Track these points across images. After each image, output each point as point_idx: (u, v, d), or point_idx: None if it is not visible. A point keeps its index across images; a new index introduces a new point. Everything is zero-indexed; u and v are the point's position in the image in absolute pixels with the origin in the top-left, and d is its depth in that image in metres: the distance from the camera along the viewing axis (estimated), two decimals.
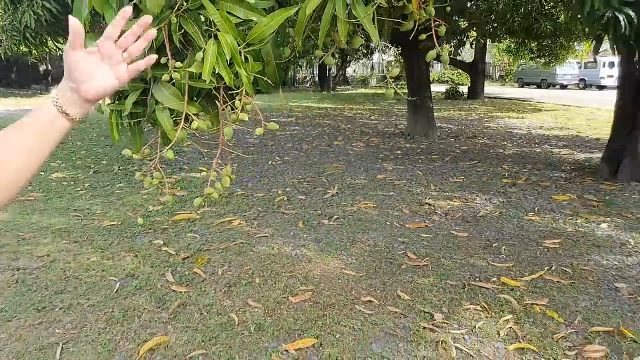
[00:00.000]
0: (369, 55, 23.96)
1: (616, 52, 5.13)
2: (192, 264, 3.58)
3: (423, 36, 1.59)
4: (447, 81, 33.25)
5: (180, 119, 1.40)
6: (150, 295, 3.09)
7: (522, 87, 32.74)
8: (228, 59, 1.27)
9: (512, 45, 18.73)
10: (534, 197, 5.35)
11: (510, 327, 2.72)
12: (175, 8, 1.24)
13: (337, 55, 23.95)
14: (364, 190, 5.60)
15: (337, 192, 5.50)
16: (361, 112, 15.60)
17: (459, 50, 18.80)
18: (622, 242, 4.03)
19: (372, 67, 33.75)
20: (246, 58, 1.35)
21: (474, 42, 17.54)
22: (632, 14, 4.43)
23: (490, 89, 29.57)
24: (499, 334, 2.66)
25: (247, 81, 1.33)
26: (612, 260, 3.66)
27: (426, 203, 5.07)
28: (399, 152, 8.12)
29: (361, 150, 8.25)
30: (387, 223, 4.47)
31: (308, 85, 29.55)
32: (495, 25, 13.00)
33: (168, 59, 1.31)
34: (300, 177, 6.28)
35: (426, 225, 4.41)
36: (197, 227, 4.35)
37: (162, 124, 1.40)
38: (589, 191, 5.57)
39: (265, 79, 1.40)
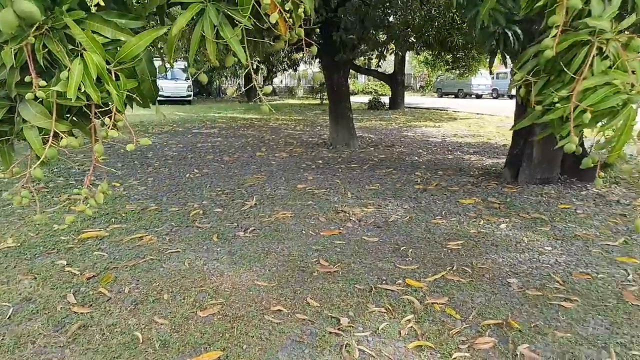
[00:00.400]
0: (294, 67, 24.21)
1: (505, 65, 5.57)
2: (97, 283, 3.44)
3: (297, 55, 1.66)
4: (371, 92, 34.32)
5: (57, 136, 1.38)
6: (48, 318, 2.93)
7: (441, 97, 34.50)
8: (95, 77, 1.27)
9: (429, 57, 19.73)
10: (443, 201, 5.66)
11: (411, 327, 2.87)
12: (34, 28, 1.22)
13: (262, 67, 24.02)
14: (283, 201, 5.65)
15: (255, 204, 5.51)
16: (287, 122, 15.72)
17: (380, 62, 19.51)
18: (517, 240, 4.37)
19: (299, 78, 34.09)
20: (117, 76, 1.35)
21: (393, 54, 18.29)
22: (518, 30, 4.87)
23: (411, 99, 30.89)
24: (400, 333, 2.80)
25: (118, 99, 1.33)
26: (507, 257, 3.96)
27: (342, 211, 5.21)
28: (320, 161, 8.27)
29: (284, 161, 8.32)
30: (303, 232, 4.54)
31: (234, 95, 29.31)
32: (413, 38, 13.66)
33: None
34: (218, 189, 6.22)
35: (340, 232, 4.53)
36: (106, 245, 4.18)
37: (30, 142, 1.36)
38: (493, 194, 5.97)
39: (135, 95, 1.40)
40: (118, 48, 1.34)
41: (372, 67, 19.87)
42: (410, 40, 13.44)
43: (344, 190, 6.16)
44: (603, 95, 1.59)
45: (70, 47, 1.26)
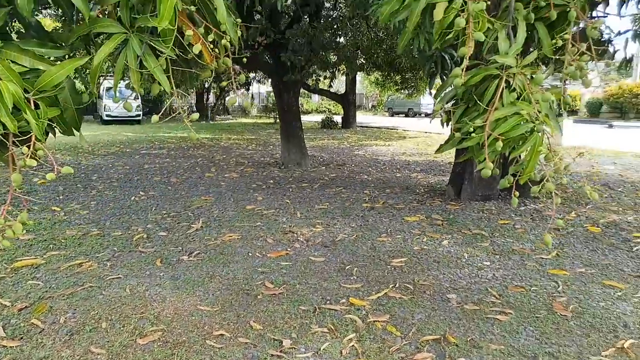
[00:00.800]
0: (247, 86, 24.21)
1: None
2: (30, 314, 3.29)
3: (224, 83, 1.70)
4: (324, 111, 34.76)
5: None
6: None
7: (392, 116, 35.38)
8: (11, 106, 1.25)
9: (379, 78, 20.26)
10: (389, 219, 5.79)
11: (353, 345, 2.90)
12: None
13: (214, 86, 23.90)
14: (230, 223, 5.61)
15: (202, 226, 5.44)
16: (239, 142, 15.65)
17: (331, 82, 19.83)
18: (458, 256, 4.52)
19: (252, 97, 34.11)
20: (37, 105, 1.34)
21: (343, 75, 18.66)
22: (455, 53, 5.12)
23: (363, 118, 31.46)
24: (341, 353, 2.83)
25: (36, 127, 1.32)
26: (448, 273, 4.09)
27: (290, 231, 5.23)
28: (271, 181, 8.28)
29: (234, 181, 8.27)
30: (250, 254, 4.52)
31: (185, 114, 28.92)
32: (362, 59, 14.01)
33: None
34: (164, 212, 6.10)
35: (287, 253, 4.54)
36: (41, 273, 4.01)
37: None
38: (437, 211, 6.17)
39: (53, 124, 1.39)
40: (37, 76, 1.33)
41: (324, 87, 20.19)
42: (359, 62, 13.80)
43: (294, 210, 6.19)
44: (513, 125, 1.72)
45: None
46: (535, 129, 1.73)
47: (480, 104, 1.76)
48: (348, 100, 22.27)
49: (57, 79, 1.29)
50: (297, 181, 8.32)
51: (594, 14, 6.78)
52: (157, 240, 4.97)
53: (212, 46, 1.49)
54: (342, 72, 15.87)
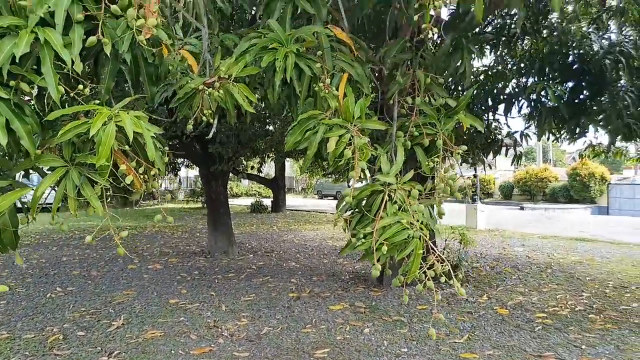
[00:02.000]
0: (175, 171, 24.11)
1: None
2: None
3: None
4: (255, 194, 35.04)
5: None
6: None
7: (321, 198, 36.30)
8: None
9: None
10: (314, 309, 5.94)
11: None
12: None
13: None
14: (153, 319, 5.49)
15: (123, 324, 5.29)
16: (164, 229, 15.34)
17: (261, 168, 20.31)
18: (378, 344, 4.73)
19: (180, 182, 33.83)
20: None
21: (272, 160, 19.24)
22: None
23: (293, 201, 32.02)
24: None
25: None
26: None
27: (214, 326, 5.22)
28: (196, 272, 8.20)
29: (158, 273, 8.10)
30: (172, 352, 4.45)
31: (108, 200, 28.00)
32: None
33: None
34: (83, 309, 5.86)
35: (211, 350, 4.52)
36: None
37: None
38: (360, 299, 6.41)
39: None
40: None
41: (254, 172, 20.63)
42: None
43: (219, 302, 6.18)
44: (394, 231, 2.07)
45: None
46: (413, 235, 2.08)
47: (368, 214, 2.12)
48: (277, 185, 22.76)
49: (1, 208, 1.45)
50: (224, 271, 8.31)
51: (490, 116, 7.81)
52: (74, 341, 4.76)
53: (142, 174, 1.73)
54: (271, 158, 16.42)
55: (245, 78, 2.21)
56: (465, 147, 2.28)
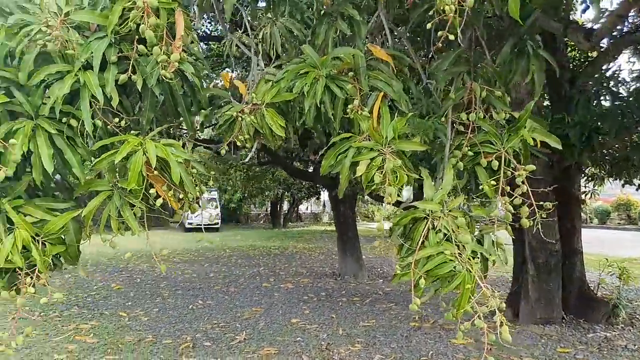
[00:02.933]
0: (317, 195, 25.17)
1: None
2: None
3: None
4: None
5: None
6: None
7: None
8: (20, 248, 1.62)
9: None
10: (434, 341, 5.58)
11: None
12: None
13: (287, 194, 25.12)
14: (272, 336, 5.70)
15: (245, 338, 5.59)
16: (304, 250, 15.99)
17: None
18: None
19: (324, 205, 35.06)
20: (44, 244, 1.71)
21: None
22: None
23: None
24: None
25: (40, 262, 1.66)
26: None
27: (327, 349, 5.22)
28: (323, 294, 8.34)
29: (288, 292, 8.43)
30: None
31: (262, 222, 30.24)
32: None
33: None
34: (215, 322, 6.35)
35: None
36: None
37: None
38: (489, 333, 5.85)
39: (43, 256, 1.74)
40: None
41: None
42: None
43: (337, 326, 6.18)
44: (436, 263, 1.86)
45: (9, 225, 1.64)
46: (456, 268, 1.85)
47: (405, 244, 1.95)
48: None
49: (57, 226, 1.67)
50: (350, 294, 8.31)
51: None
52: (200, 350, 5.16)
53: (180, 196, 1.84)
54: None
55: (278, 103, 2.20)
56: (533, 167, 1.96)
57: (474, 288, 1.94)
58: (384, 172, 1.89)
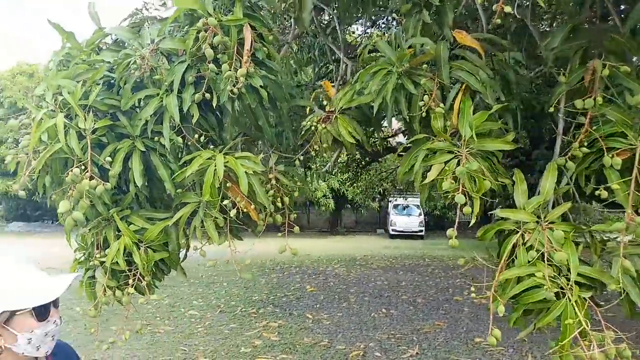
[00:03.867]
0: None
1: None
2: None
3: None
4: None
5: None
6: None
7: None
8: (122, 252, 1.85)
9: None
10: None
11: None
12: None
13: None
14: (447, 354, 5.35)
15: (417, 353, 5.37)
16: None
17: None
18: None
19: None
20: (146, 250, 1.93)
21: None
22: None
23: None
24: None
25: (142, 267, 1.88)
26: None
27: None
28: None
29: (480, 308, 7.80)
30: None
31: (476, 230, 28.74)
32: None
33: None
34: (392, 332, 6.27)
35: None
36: None
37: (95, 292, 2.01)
38: None
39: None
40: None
41: None
42: None
43: (527, 351, 5.45)
44: (525, 287, 1.44)
45: (118, 232, 1.91)
46: (556, 295, 1.37)
47: (485, 263, 1.54)
48: None
49: (154, 233, 1.86)
50: None
51: None
52: (370, 359, 5.16)
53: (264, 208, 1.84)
54: None
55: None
56: None
57: (585, 323, 1.47)
58: (455, 177, 1.58)
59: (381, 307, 7.87)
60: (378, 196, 24.39)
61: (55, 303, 1.27)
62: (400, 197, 24.69)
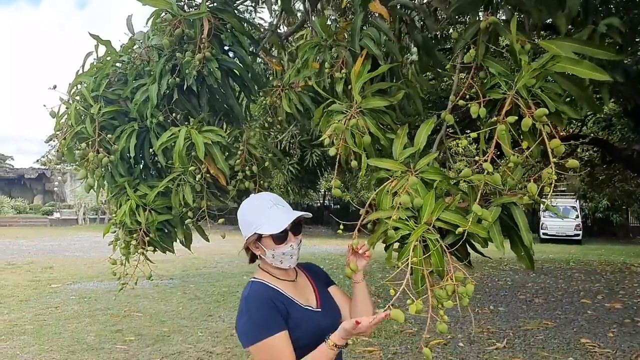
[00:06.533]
0: None
1: None
2: None
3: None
4: None
5: None
6: None
7: None
8: (129, 212, 2.33)
9: None
10: None
11: None
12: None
13: None
14: (538, 350, 4.99)
15: (504, 347, 5.12)
16: None
17: None
18: None
19: None
20: (151, 211, 2.39)
21: None
22: None
23: None
24: None
25: (144, 225, 2.34)
26: None
27: None
28: None
29: (605, 312, 6.96)
30: None
31: None
32: None
33: None
34: (489, 327, 6.00)
35: None
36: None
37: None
38: None
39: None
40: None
41: None
42: None
43: (637, 355, 4.79)
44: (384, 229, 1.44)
45: (127, 198, 2.40)
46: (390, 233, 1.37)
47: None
48: None
49: (152, 197, 2.29)
50: None
51: None
52: (450, 349, 5.07)
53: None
54: None
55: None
56: (545, 111, 1.15)
57: (441, 263, 1.47)
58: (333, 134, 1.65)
59: (490, 304, 7.51)
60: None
61: (295, 231, 1.64)
62: (553, 197, 22.46)
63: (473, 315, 6.72)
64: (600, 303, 7.60)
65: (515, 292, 8.59)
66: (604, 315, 6.72)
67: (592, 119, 10.89)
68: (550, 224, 21.78)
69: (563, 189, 22.49)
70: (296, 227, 1.64)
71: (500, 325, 6.13)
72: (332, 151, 1.64)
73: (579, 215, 22.17)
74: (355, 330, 1.45)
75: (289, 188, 13.08)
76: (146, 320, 6.39)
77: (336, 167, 1.64)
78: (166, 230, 2.52)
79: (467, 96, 1.64)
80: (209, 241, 2.66)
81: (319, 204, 31.32)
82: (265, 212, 1.63)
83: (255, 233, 1.62)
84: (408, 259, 1.43)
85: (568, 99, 1.55)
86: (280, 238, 1.62)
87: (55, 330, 5.87)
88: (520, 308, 7.22)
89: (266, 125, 2.52)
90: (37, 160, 36.45)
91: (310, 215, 1.71)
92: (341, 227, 1.69)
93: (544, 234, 21.93)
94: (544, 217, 22.15)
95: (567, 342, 5.29)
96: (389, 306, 1.43)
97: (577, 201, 22.31)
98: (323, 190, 26.06)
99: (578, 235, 21.44)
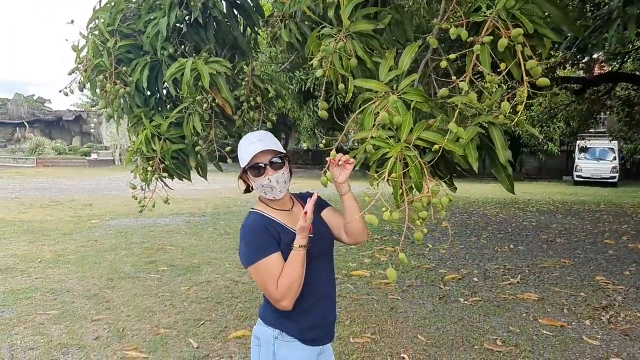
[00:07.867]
0: None
1: None
2: None
3: None
4: None
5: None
6: None
7: None
8: (146, 142, 2.50)
9: None
10: None
11: None
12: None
13: None
14: (548, 284, 5.11)
15: (518, 282, 5.25)
16: None
17: None
18: None
19: None
20: (165, 140, 2.55)
21: None
22: None
23: None
24: None
25: (159, 152, 2.51)
26: None
27: (603, 308, 4.30)
28: None
29: (628, 252, 6.95)
30: (524, 314, 4.17)
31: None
32: None
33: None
34: (506, 264, 6.13)
35: (562, 326, 3.89)
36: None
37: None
38: None
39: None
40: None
41: None
42: None
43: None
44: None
45: (143, 128, 2.56)
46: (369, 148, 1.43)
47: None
48: None
49: (164, 127, 2.45)
50: None
51: None
52: (466, 283, 5.25)
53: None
54: None
55: None
56: (520, 31, 1.16)
57: (419, 178, 1.54)
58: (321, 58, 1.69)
59: (510, 243, 7.60)
60: (558, 138, 21.86)
61: (274, 165, 1.74)
62: (589, 139, 21.68)
63: (492, 253, 6.85)
64: (624, 244, 7.58)
65: (537, 232, 8.63)
66: (625, 255, 6.73)
67: (633, 55, 10.38)
68: (585, 166, 21.25)
69: (603, 130, 21.74)
70: (275, 163, 1.73)
71: (518, 262, 6.25)
72: (319, 73, 1.72)
73: (617, 157, 21.48)
74: (306, 221, 1.61)
75: (315, 131, 13.16)
76: (178, 253, 6.80)
77: (322, 89, 1.72)
78: (180, 159, 2.70)
79: (451, 20, 1.67)
80: (222, 171, 2.84)
81: (348, 146, 31.41)
82: (248, 147, 1.75)
83: (243, 167, 1.77)
84: (386, 173, 1.51)
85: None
86: (255, 170, 1.75)
87: (95, 260, 6.34)
88: (540, 247, 7.29)
89: (271, 56, 2.60)
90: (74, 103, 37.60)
91: (283, 152, 1.78)
92: (332, 153, 1.72)
93: (577, 176, 21.48)
94: (578, 158, 21.61)
95: (581, 279, 5.39)
96: (364, 212, 1.54)
97: (615, 143, 21.54)
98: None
99: (614, 177, 20.93)
